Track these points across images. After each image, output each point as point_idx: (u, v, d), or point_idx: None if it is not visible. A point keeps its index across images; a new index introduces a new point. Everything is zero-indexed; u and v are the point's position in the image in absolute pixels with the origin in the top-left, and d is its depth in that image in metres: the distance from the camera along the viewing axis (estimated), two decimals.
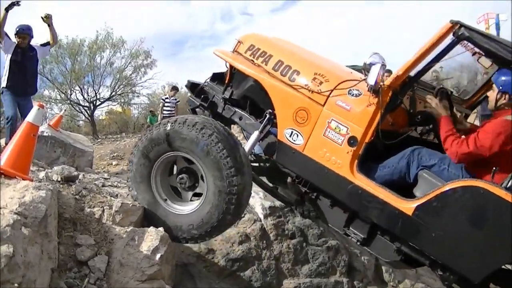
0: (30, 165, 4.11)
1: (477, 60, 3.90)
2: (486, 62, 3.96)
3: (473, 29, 3.57)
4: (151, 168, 4.24)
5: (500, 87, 3.77)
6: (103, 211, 4.19)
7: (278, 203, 6.25)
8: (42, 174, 4.64)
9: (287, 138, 4.21)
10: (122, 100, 28.47)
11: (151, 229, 3.97)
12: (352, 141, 3.88)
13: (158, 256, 3.77)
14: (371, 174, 3.96)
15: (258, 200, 6.32)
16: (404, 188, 3.90)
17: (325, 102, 4.07)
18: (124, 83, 27.19)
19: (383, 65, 3.74)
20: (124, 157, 10.99)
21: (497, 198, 3.27)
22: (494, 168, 3.56)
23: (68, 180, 4.58)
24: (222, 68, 5.15)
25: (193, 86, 5.21)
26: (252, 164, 4.58)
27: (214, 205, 3.94)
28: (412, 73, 3.91)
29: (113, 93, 27.08)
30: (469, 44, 3.78)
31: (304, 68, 4.36)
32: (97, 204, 4.29)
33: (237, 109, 4.79)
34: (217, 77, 5.12)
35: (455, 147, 3.70)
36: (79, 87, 26.18)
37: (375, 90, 3.78)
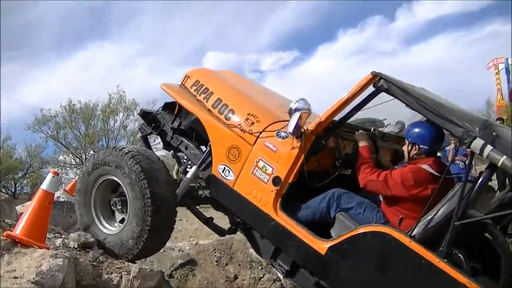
0: (46, 233, 4.09)
1: (406, 105, 3.91)
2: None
3: (391, 81, 3.72)
4: (92, 190, 4.64)
5: (410, 139, 3.99)
6: (121, 277, 4.12)
7: None
8: (58, 241, 4.60)
9: (220, 173, 4.42)
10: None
11: None
12: (276, 180, 4.04)
13: None
14: (296, 213, 4.11)
15: None
16: (328, 227, 4.04)
17: (254, 142, 4.27)
18: (138, 146, 27.28)
19: (308, 111, 3.92)
20: None
21: (401, 245, 3.38)
22: (401, 216, 3.73)
23: (85, 246, 4.52)
24: None
25: (145, 114, 5.50)
26: (194, 192, 4.96)
27: (131, 228, 4.32)
28: (337, 119, 4.08)
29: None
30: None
31: (239, 108, 4.59)
32: (114, 270, 4.22)
33: (184, 139, 5.06)
34: (168, 107, 5.32)
35: (365, 173, 3.90)
36: (94, 151, 26.22)
37: (299, 134, 3.93)
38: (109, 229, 4.64)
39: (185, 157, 5.08)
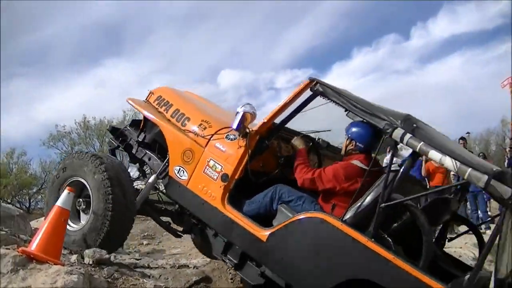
0: (61, 249, 4.08)
1: (346, 114, 4.25)
2: (353, 115, 4.23)
3: (327, 85, 4.19)
4: (58, 191, 4.96)
5: (349, 135, 4.37)
6: None
7: None
8: (73, 258, 4.59)
9: (175, 174, 4.83)
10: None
11: None
12: (224, 177, 4.47)
13: None
14: (243, 208, 4.48)
15: None
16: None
17: (206, 144, 4.72)
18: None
19: (252, 114, 4.36)
20: (154, 237, 10.96)
21: (333, 228, 3.76)
22: (333, 203, 4.14)
23: (100, 263, 4.51)
24: None
25: (113, 130, 6.06)
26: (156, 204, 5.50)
27: (91, 228, 4.69)
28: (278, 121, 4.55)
29: (141, 174, 27.25)
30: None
31: (194, 116, 5.08)
32: (129, 286, 4.18)
33: (147, 151, 5.46)
34: (135, 123, 5.87)
35: (301, 173, 4.26)
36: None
37: (244, 134, 4.41)
38: (72, 227, 4.93)
39: (149, 169, 5.49)
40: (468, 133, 27.75)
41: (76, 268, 3.61)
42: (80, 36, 49.95)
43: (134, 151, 5.62)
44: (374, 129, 4.15)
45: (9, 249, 3.96)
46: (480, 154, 15.98)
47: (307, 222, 3.95)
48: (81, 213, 5.04)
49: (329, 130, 5.00)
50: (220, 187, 4.47)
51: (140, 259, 5.55)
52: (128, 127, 5.90)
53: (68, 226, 4.74)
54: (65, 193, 4.27)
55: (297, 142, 4.58)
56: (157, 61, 53.50)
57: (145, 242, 11.00)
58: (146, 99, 5.82)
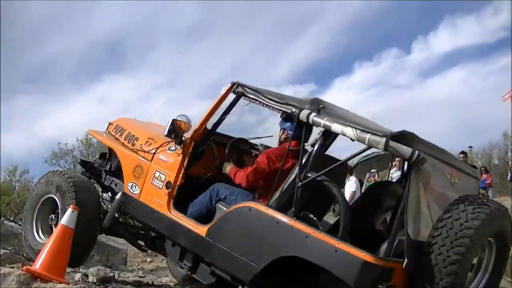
0: (65, 268, 4.08)
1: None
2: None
3: (247, 86, 4.53)
4: (35, 207, 5.40)
5: (280, 126, 4.64)
6: None
7: None
8: (78, 276, 4.59)
9: (129, 190, 5.08)
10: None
11: None
12: (168, 184, 4.74)
13: None
14: (188, 210, 4.70)
15: None
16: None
17: (152, 158, 5.00)
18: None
19: (186, 122, 4.68)
20: (158, 254, 10.92)
21: (260, 212, 4.00)
22: (260, 190, 4.41)
23: (104, 281, 4.51)
24: None
25: (84, 163, 6.43)
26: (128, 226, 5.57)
27: None
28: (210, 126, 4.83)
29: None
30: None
31: (142, 135, 5.40)
32: None
33: (114, 178, 5.68)
34: (103, 155, 6.21)
35: (241, 174, 4.49)
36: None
37: (179, 142, 4.69)
38: (42, 239, 5.24)
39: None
40: (470, 147, 27.81)
41: (81, 286, 3.63)
42: (82, 52, 50.13)
43: (103, 180, 5.90)
44: None
45: (13, 267, 3.98)
46: (482, 168, 16.00)
47: (238, 212, 4.17)
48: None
49: (271, 136, 5.23)
50: (165, 194, 4.72)
51: (144, 276, 5.55)
52: (97, 160, 6.30)
53: (37, 238, 5.27)
54: (69, 211, 4.29)
55: (225, 168, 4.80)
56: (158, 77, 53.75)
57: (148, 259, 10.95)
58: (106, 129, 6.18)
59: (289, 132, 4.50)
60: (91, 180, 5.99)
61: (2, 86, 43.77)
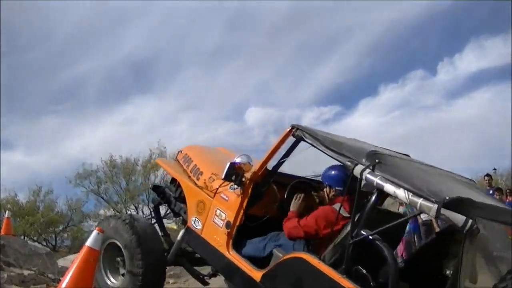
0: None
1: None
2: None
3: (305, 130, 4.40)
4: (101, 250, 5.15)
5: (326, 182, 4.44)
6: None
7: None
8: None
9: (192, 224, 5.09)
10: (177, 218, 28.54)
11: None
12: (228, 224, 4.66)
13: None
14: (243, 248, 4.67)
15: None
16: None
17: (214, 195, 4.95)
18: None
19: (247, 163, 4.59)
20: (181, 275, 10.85)
21: (311, 266, 3.87)
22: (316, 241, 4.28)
23: None
24: None
25: (155, 188, 6.48)
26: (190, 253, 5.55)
27: (128, 283, 4.95)
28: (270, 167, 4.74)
29: (168, 211, 27.22)
30: None
31: (206, 169, 5.38)
32: None
33: (182, 205, 5.69)
34: (174, 181, 6.09)
35: (286, 225, 4.37)
36: (134, 206, 26.43)
37: (239, 183, 4.60)
38: (113, 282, 5.30)
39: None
40: (494, 169, 27.46)
41: None
42: (109, 73, 50.62)
43: (172, 206, 5.97)
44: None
45: None
46: (507, 191, 15.71)
47: (291, 262, 4.09)
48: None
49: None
50: (225, 233, 4.67)
51: None
52: (168, 184, 6.27)
53: (109, 282, 5.25)
54: (94, 233, 4.30)
55: (292, 204, 4.66)
56: (184, 98, 53.79)
57: (171, 281, 10.91)
58: (175, 157, 6.38)
59: (336, 188, 4.35)
60: (162, 203, 6.26)
61: (31, 107, 44.73)
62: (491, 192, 10.52)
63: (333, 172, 4.41)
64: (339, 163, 4.20)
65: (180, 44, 53.51)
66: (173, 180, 6.17)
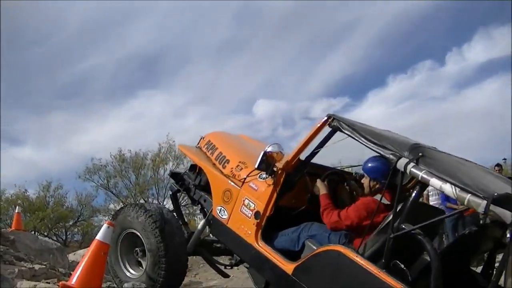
0: (101, 283, 4.07)
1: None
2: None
3: (343, 120, 4.29)
4: (117, 242, 5.36)
5: (370, 175, 4.34)
6: None
7: None
8: None
9: (217, 214, 5.06)
10: (187, 211, 28.61)
11: None
12: (257, 215, 4.62)
13: None
14: (274, 239, 4.64)
15: None
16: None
17: (242, 184, 4.90)
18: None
19: (279, 153, 4.51)
20: (191, 268, 10.90)
21: (349, 259, 3.81)
22: (352, 233, 4.22)
23: None
24: None
25: (173, 175, 6.46)
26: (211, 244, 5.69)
27: (150, 274, 4.96)
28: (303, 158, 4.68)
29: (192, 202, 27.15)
30: None
31: (233, 157, 5.34)
32: None
33: (203, 193, 5.66)
34: (193, 167, 6.08)
35: (327, 218, 4.27)
36: (144, 200, 26.24)
37: (271, 173, 4.55)
38: (133, 274, 5.29)
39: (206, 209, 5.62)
40: (504, 159, 27.31)
41: None
42: (117, 67, 50.68)
43: (192, 194, 5.92)
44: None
45: (49, 283, 3.98)
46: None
47: (327, 254, 4.03)
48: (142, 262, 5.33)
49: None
50: (254, 224, 4.62)
51: None
52: (187, 171, 6.20)
53: (128, 274, 5.27)
54: (104, 227, 4.29)
55: (317, 187, 4.62)
56: (192, 92, 53.74)
57: None
58: (197, 144, 6.26)
59: (382, 181, 4.26)
60: (181, 192, 6.22)
61: (39, 102, 44.86)
62: None
63: (377, 164, 4.30)
64: (378, 155, 4.17)
65: (188, 38, 53.48)
66: (192, 167, 6.14)
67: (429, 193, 11.46)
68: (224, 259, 5.77)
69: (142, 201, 25.54)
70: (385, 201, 4.16)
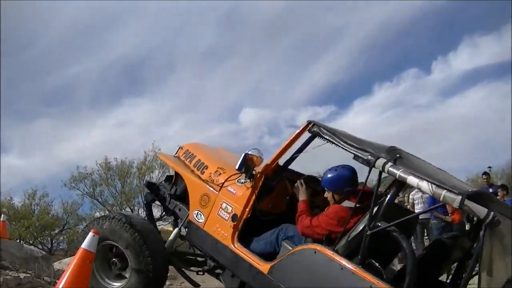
0: None
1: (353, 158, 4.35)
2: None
3: (323, 126, 4.45)
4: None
5: (330, 188, 4.46)
6: None
7: None
8: None
9: (194, 218, 5.14)
10: (173, 219, 28.45)
11: None
12: (234, 217, 4.74)
13: None
14: (251, 245, 4.74)
15: None
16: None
17: (220, 189, 5.02)
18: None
19: (258, 156, 4.62)
20: (177, 277, 10.89)
21: (325, 257, 3.95)
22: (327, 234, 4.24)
23: None
24: None
25: (149, 185, 6.44)
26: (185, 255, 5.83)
27: (134, 283, 4.96)
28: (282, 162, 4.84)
29: (163, 213, 27.15)
30: None
31: (211, 164, 5.46)
32: None
33: (178, 203, 5.75)
34: (169, 178, 6.22)
35: (301, 223, 4.38)
36: (130, 208, 26.05)
37: (250, 176, 4.67)
38: (114, 285, 5.22)
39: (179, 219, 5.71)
40: (489, 167, 27.72)
41: None
42: (101, 75, 50.59)
43: (167, 203, 5.97)
44: (347, 167, 4.44)
45: None
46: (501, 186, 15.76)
47: (303, 253, 4.14)
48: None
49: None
50: (230, 226, 4.73)
51: None
52: (163, 182, 6.30)
53: (107, 285, 5.18)
54: (90, 235, 4.32)
55: (298, 192, 4.69)
56: (177, 100, 53.91)
57: (168, 282, 10.95)
58: (176, 153, 6.35)
59: (344, 189, 4.38)
60: (155, 200, 6.27)
61: (24, 109, 44.56)
62: (490, 190, 10.62)
63: (333, 175, 4.44)
64: (333, 167, 4.42)
65: (173, 45, 53.56)
66: (168, 178, 6.25)
67: (415, 202, 11.60)
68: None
69: (128, 209, 25.56)
70: (351, 204, 4.24)
